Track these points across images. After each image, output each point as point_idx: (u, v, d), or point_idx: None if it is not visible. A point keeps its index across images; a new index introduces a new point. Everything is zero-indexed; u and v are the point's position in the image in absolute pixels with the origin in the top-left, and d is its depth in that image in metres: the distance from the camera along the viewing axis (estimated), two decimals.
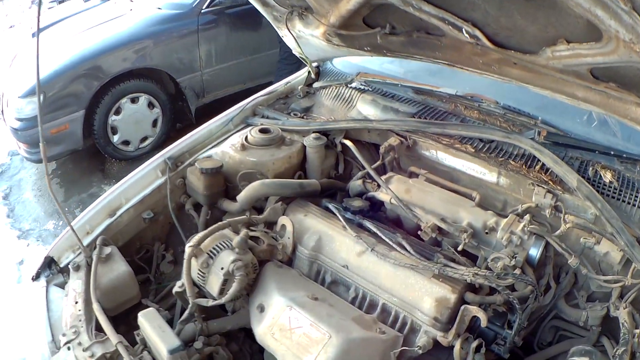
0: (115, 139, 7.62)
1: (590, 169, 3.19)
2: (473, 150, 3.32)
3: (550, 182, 3.14)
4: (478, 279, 2.71)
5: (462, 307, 2.68)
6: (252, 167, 3.39)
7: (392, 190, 3.10)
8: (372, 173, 3.20)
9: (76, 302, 3.02)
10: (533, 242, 2.90)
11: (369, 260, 2.93)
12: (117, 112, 7.41)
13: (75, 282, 3.14)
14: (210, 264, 2.93)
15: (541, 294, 2.99)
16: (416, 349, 2.68)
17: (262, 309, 2.91)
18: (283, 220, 3.10)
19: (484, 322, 2.65)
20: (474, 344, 2.68)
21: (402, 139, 3.46)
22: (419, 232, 2.99)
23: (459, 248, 2.92)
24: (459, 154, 3.33)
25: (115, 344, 2.72)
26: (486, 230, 2.98)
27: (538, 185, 3.13)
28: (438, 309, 2.72)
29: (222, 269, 2.87)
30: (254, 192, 3.23)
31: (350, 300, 2.96)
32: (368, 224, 3.06)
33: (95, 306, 2.94)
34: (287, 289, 2.91)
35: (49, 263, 3.29)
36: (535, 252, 2.91)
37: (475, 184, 3.29)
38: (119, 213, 3.43)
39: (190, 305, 2.95)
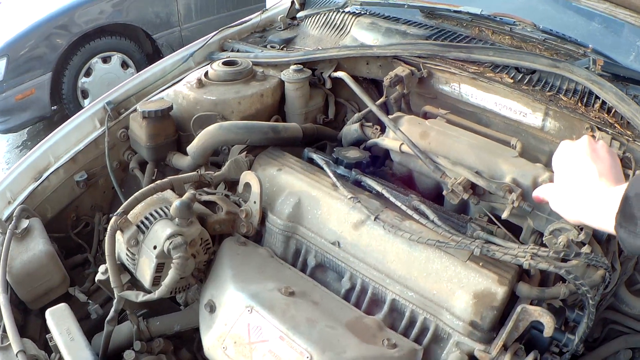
0: (86, 103, 5.49)
1: None
2: (511, 81, 1.98)
3: (616, 125, 1.83)
4: (540, 263, 1.43)
5: (520, 308, 1.42)
6: (210, 108, 2.05)
7: (404, 133, 1.78)
8: (375, 109, 1.85)
9: None
10: None
11: (371, 234, 1.61)
12: (88, 74, 5.56)
13: None
14: (140, 240, 1.66)
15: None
16: None
17: (211, 308, 1.64)
18: (247, 176, 1.77)
19: (548, 332, 1.42)
20: (529, 359, 1.45)
21: (412, 68, 2.07)
22: (445, 193, 1.67)
23: (504, 215, 1.61)
24: (490, 87, 1.97)
25: (16, 353, 1.61)
26: None
27: (600, 129, 1.83)
28: (478, 308, 1.46)
29: (154, 247, 1.62)
30: (209, 138, 1.89)
31: (345, 294, 1.66)
32: (370, 181, 1.73)
33: (2, 299, 1.77)
34: (249, 279, 1.62)
35: None
36: None
37: (512, 129, 1.96)
38: (45, 175, 2.12)
39: (116, 300, 1.70)
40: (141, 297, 1.65)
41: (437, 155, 1.71)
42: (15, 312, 1.90)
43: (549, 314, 1.40)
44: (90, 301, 1.94)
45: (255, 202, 1.72)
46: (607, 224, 1.11)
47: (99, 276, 1.76)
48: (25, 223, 1.97)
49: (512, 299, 1.48)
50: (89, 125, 2.15)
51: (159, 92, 2.27)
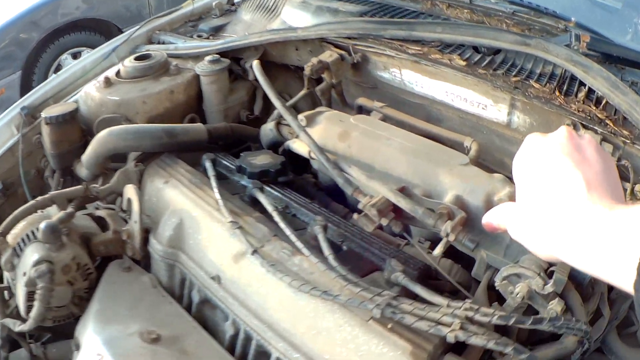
0: None
1: None
2: (464, 64, 1.27)
3: (608, 121, 1.13)
4: (474, 336, 0.81)
5: None
6: (114, 109, 1.45)
7: (311, 135, 1.12)
8: (277, 103, 1.18)
9: None
10: None
11: (251, 271, 1.01)
12: (57, 71, 4.25)
13: None
14: (15, 264, 1.18)
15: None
16: None
17: (77, 346, 1.10)
18: (127, 191, 1.20)
19: None
20: None
21: (342, 52, 1.39)
22: (356, 217, 1.01)
23: (436, 252, 0.95)
24: (438, 71, 1.27)
25: None
26: None
27: (585, 126, 1.13)
28: None
29: (24, 274, 1.13)
30: (99, 147, 1.31)
31: (230, 340, 1.05)
32: (263, 199, 1.11)
33: None
34: (112, 318, 1.07)
35: None
36: None
37: (470, 125, 1.28)
38: None
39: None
40: (18, 326, 1.17)
41: (358, 163, 1.07)
42: None
43: None
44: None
45: (135, 222, 1.15)
46: (609, 269, 0.51)
47: None
48: None
49: None
50: (6, 132, 1.62)
51: (76, 94, 1.69)
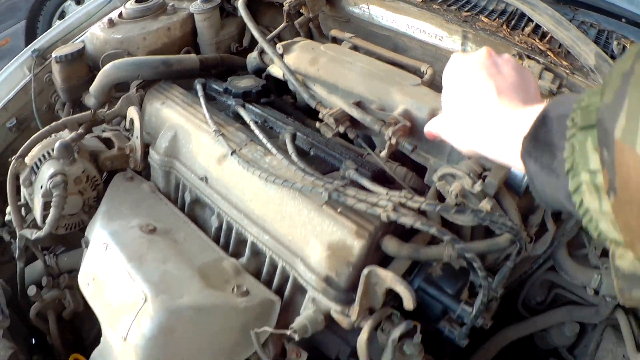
0: None
1: (615, 42, 1.44)
2: (420, 0, 1.47)
3: (550, 52, 1.29)
4: (402, 217, 0.99)
5: (367, 271, 1.01)
6: (117, 46, 1.66)
7: (286, 61, 1.34)
8: (257, 36, 1.39)
9: None
10: None
11: (232, 170, 1.24)
12: (62, 17, 4.59)
13: None
14: (33, 181, 1.40)
15: (531, 239, 1.22)
16: (289, 332, 1.04)
17: (86, 244, 1.34)
18: (130, 112, 1.42)
19: (407, 305, 1.01)
20: (397, 331, 1.05)
21: None
22: (317, 125, 1.22)
23: (383, 154, 1.14)
24: (399, 7, 1.46)
25: None
26: None
27: (529, 57, 1.30)
28: (332, 263, 1.06)
29: (41, 187, 1.34)
30: (104, 77, 1.52)
31: (215, 232, 1.30)
32: (243, 112, 1.32)
33: None
34: (117, 216, 1.30)
35: None
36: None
37: (431, 55, 1.46)
38: None
39: (18, 238, 1.44)
40: (34, 234, 1.39)
41: (325, 84, 1.26)
42: None
43: (404, 284, 0.99)
44: (12, 240, 1.66)
45: (137, 137, 1.37)
46: (508, 153, 0.66)
47: (6, 217, 1.52)
48: None
49: (379, 255, 1.07)
50: (19, 74, 1.84)
51: (82, 36, 1.89)
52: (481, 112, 0.73)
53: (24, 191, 1.44)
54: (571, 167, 0.51)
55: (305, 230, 1.09)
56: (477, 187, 1.04)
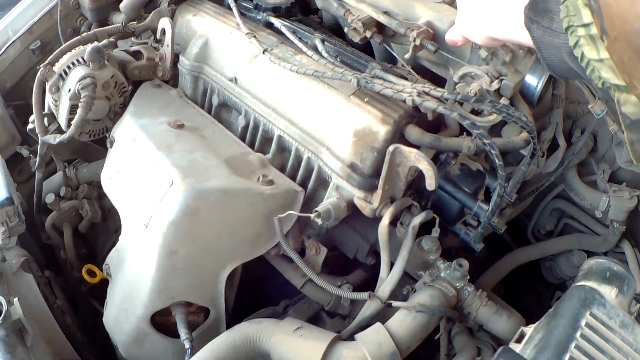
0: None
1: None
2: None
3: None
4: (426, 102, 1.05)
5: (392, 148, 1.06)
6: None
7: None
8: None
9: None
10: (533, 63, 1.15)
11: (262, 68, 1.30)
12: None
13: None
14: (60, 86, 1.43)
15: (542, 154, 1.29)
16: (312, 216, 1.09)
17: (111, 143, 1.39)
18: (162, 22, 1.46)
19: (430, 183, 1.06)
20: (418, 218, 1.13)
21: None
22: (346, 31, 1.29)
23: (407, 55, 1.21)
24: None
25: None
26: None
27: None
28: (357, 149, 1.13)
29: (69, 91, 1.38)
30: None
31: (241, 132, 1.37)
32: (276, 21, 1.38)
33: None
34: (145, 114, 1.35)
35: None
36: (535, 80, 1.17)
37: None
38: (3, 49, 1.87)
39: (40, 145, 1.50)
40: (57, 138, 1.44)
41: None
42: None
43: (427, 160, 1.04)
44: (31, 156, 1.72)
45: (168, 46, 1.44)
46: (515, 27, 0.74)
47: (29, 126, 1.55)
48: None
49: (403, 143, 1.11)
50: None
51: None
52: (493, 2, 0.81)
53: (49, 100, 1.47)
54: (568, 25, 0.61)
55: (332, 120, 1.15)
56: (495, 85, 1.11)
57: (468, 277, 1.16)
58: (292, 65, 1.18)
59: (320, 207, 1.10)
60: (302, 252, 1.21)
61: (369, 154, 1.10)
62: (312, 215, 1.09)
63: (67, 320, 1.46)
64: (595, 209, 1.38)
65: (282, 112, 1.23)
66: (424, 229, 1.17)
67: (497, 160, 1.06)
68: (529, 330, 0.97)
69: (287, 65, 1.19)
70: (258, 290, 1.38)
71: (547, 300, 1.60)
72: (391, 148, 1.06)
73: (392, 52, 1.26)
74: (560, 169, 1.36)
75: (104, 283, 1.48)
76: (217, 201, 1.11)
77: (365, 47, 1.40)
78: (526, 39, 0.72)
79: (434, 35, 1.22)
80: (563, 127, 1.41)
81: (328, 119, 1.15)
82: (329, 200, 1.13)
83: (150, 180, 1.17)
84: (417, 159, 1.04)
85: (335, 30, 1.48)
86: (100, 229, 1.58)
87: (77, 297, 1.61)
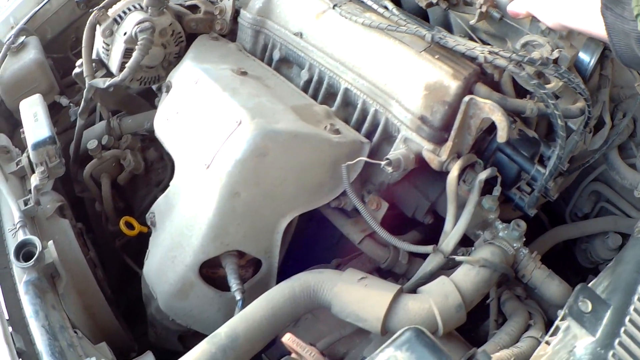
0: None
1: None
2: None
3: None
4: (497, 59, 1.09)
5: (468, 98, 1.09)
6: None
7: None
8: None
9: None
10: (586, 40, 1.19)
11: (330, 23, 1.31)
12: None
13: None
14: (114, 30, 1.43)
15: (590, 130, 1.34)
16: (383, 164, 1.09)
17: (167, 88, 1.39)
18: None
19: (502, 135, 1.09)
20: (484, 174, 1.15)
21: None
22: None
23: (473, 21, 1.24)
24: None
25: None
26: None
27: None
28: (428, 102, 1.14)
29: (125, 34, 1.39)
30: None
31: (303, 85, 1.37)
32: None
33: None
34: (206, 60, 1.35)
35: None
36: (588, 57, 1.20)
37: None
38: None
39: (86, 89, 1.48)
40: (108, 81, 1.43)
41: None
42: (2, 121, 1.72)
43: (501, 111, 1.08)
44: (71, 104, 1.69)
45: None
46: (589, 16, 0.83)
47: (75, 70, 1.55)
48: (21, 39, 1.77)
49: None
50: None
51: None
52: None
53: (98, 45, 1.46)
54: (638, 13, 0.71)
55: (403, 74, 1.17)
56: (556, 53, 1.15)
57: (524, 239, 1.19)
58: (365, 19, 1.21)
59: (391, 155, 1.11)
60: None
61: (440, 107, 1.12)
62: (382, 163, 1.10)
63: (99, 275, 1.44)
64: (635, 189, 1.43)
65: (350, 65, 1.24)
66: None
67: (559, 122, 1.10)
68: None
69: (359, 19, 1.21)
70: (304, 248, 1.37)
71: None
72: (466, 98, 1.08)
73: (459, 21, 1.29)
74: (605, 147, 1.41)
75: (140, 238, 1.46)
76: (286, 143, 1.12)
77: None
78: (596, 30, 0.82)
79: (496, 3, 1.27)
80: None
81: (398, 73, 1.17)
82: (398, 150, 1.14)
83: (215, 120, 1.17)
84: (492, 110, 1.07)
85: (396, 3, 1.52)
86: (141, 181, 1.57)
87: (107, 254, 1.58)
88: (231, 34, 1.49)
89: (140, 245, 1.44)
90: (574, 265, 1.69)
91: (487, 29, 1.31)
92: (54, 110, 1.70)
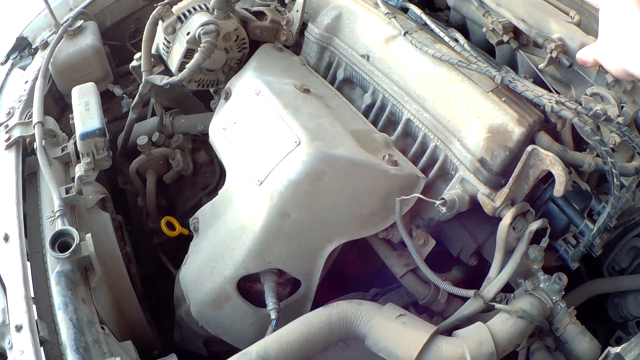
0: None
1: None
2: None
3: None
4: (563, 110, 1.08)
5: (530, 148, 1.09)
6: None
7: None
8: None
9: (26, 82, 1.70)
10: None
11: (399, 49, 1.31)
12: None
13: (37, 61, 1.80)
14: (177, 28, 1.43)
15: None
16: (437, 203, 1.09)
17: (227, 95, 1.40)
18: None
19: (559, 189, 1.09)
20: (535, 224, 1.14)
21: None
22: (485, 31, 1.32)
23: (542, 65, 1.24)
24: None
25: (34, 125, 1.42)
26: None
27: None
28: (490, 144, 1.14)
29: (188, 34, 1.39)
30: None
31: (365, 109, 1.37)
32: (414, 8, 1.41)
33: (38, 82, 1.59)
34: (269, 72, 1.35)
35: (22, 44, 1.92)
36: None
37: (574, 7, 1.49)
38: None
39: (142, 84, 1.50)
40: (165, 79, 1.44)
41: None
42: (51, 103, 1.73)
43: (562, 165, 1.08)
44: (125, 95, 1.71)
45: (297, 11, 1.45)
46: None
47: (133, 63, 1.57)
48: (79, 23, 1.80)
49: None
50: None
51: None
52: (633, 28, 0.85)
53: (159, 40, 1.46)
54: None
55: (468, 112, 1.16)
56: (617, 111, 1.14)
57: (564, 293, 1.19)
58: (435, 51, 1.20)
59: (446, 195, 1.11)
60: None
61: (501, 151, 1.11)
62: (437, 202, 1.10)
63: (132, 270, 1.45)
64: None
65: (415, 96, 1.24)
66: None
67: (615, 180, 1.09)
68: (615, 350, 1.01)
69: (430, 50, 1.21)
70: (343, 271, 1.38)
71: (601, 339, 1.62)
72: (529, 148, 1.08)
73: (527, 61, 1.28)
74: None
75: (178, 238, 1.47)
76: (343, 169, 1.12)
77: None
78: None
79: (566, 49, 1.27)
80: None
81: (463, 111, 1.17)
82: (453, 190, 1.14)
83: (273, 136, 1.17)
84: (553, 163, 1.07)
85: (460, 30, 1.51)
86: (187, 183, 1.57)
87: (143, 248, 1.59)
88: (296, 46, 1.49)
89: (177, 245, 1.46)
90: (603, 315, 1.67)
91: (554, 72, 1.30)
92: (106, 99, 1.71)
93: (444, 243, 1.28)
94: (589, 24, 1.50)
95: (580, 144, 1.25)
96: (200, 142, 1.61)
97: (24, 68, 1.78)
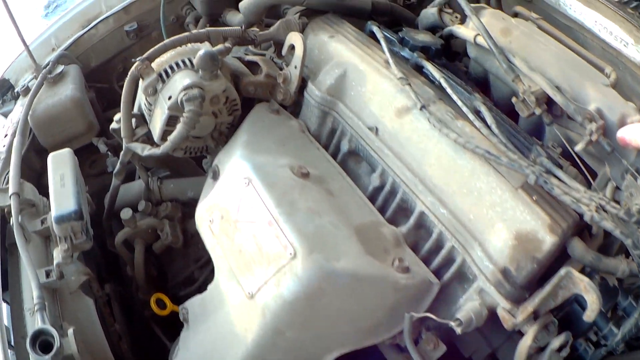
0: None
1: None
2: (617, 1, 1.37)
3: None
4: (604, 220, 0.94)
5: (564, 272, 0.96)
6: None
7: (482, 23, 1.20)
8: None
9: (5, 135, 1.57)
10: None
11: (413, 126, 1.14)
12: None
13: (17, 109, 1.66)
14: (158, 89, 1.25)
15: None
16: (453, 324, 0.96)
17: (215, 174, 1.23)
18: (292, 37, 1.29)
19: (590, 316, 0.94)
20: (557, 341, 0.99)
21: None
22: (514, 101, 1.13)
23: (579, 147, 1.06)
24: (594, 1, 1.36)
25: (10, 195, 1.28)
26: None
27: None
28: (515, 254, 0.98)
29: (169, 98, 1.20)
30: None
31: (372, 192, 1.20)
32: (431, 67, 1.23)
33: (15, 141, 1.46)
34: (261, 149, 1.19)
35: (4, 86, 1.78)
36: None
37: (609, 58, 1.33)
38: (93, 23, 1.74)
39: (123, 152, 1.34)
40: (147, 150, 1.28)
41: (515, 58, 1.17)
42: (34, 157, 1.59)
43: (597, 293, 0.93)
44: (109, 153, 1.56)
45: (295, 67, 1.27)
46: None
47: (113, 125, 1.40)
48: (60, 68, 1.65)
49: (560, 257, 1.00)
50: None
51: None
52: None
53: (141, 100, 1.31)
54: None
55: (492, 213, 1.00)
56: None
57: None
58: (457, 136, 1.03)
59: (462, 315, 0.97)
60: (415, 341, 1.09)
61: (528, 263, 0.96)
62: (452, 324, 0.97)
63: (123, 347, 1.35)
64: None
65: (431, 185, 1.08)
66: None
67: None
68: None
69: (451, 134, 1.03)
70: None
71: None
72: (563, 272, 0.94)
73: (562, 139, 1.12)
74: None
75: (170, 314, 1.36)
76: (345, 287, 0.98)
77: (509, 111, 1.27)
78: None
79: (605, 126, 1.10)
80: None
81: (488, 210, 1.00)
82: (470, 306, 0.99)
83: (264, 242, 1.02)
84: (587, 290, 0.92)
85: (480, 84, 1.33)
86: (178, 253, 1.44)
87: (136, 318, 1.48)
88: (294, 105, 1.32)
89: (171, 317, 1.34)
90: None
91: (588, 147, 1.14)
92: (91, 150, 1.57)
93: (455, 342, 1.15)
94: (624, 81, 1.32)
95: None
96: (192, 206, 1.45)
97: (5, 115, 1.64)
